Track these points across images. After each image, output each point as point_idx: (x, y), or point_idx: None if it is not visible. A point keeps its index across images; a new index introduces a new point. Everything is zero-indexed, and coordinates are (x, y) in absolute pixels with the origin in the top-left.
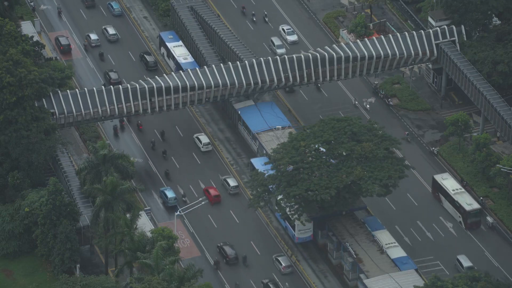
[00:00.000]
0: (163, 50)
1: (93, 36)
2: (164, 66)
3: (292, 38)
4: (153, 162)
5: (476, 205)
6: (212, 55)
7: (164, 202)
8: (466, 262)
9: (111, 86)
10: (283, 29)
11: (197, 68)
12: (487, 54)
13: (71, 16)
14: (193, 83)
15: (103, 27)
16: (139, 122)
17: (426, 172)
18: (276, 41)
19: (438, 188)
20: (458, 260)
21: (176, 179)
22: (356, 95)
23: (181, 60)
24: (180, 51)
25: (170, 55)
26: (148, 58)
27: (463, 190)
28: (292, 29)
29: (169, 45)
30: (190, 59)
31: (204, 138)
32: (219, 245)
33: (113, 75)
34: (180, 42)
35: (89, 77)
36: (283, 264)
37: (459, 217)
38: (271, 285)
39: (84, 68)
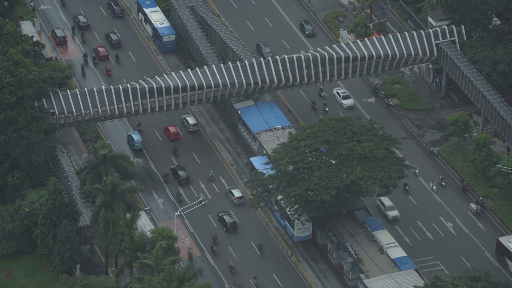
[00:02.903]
0: (141, 16)
1: None
2: (130, 15)
3: (348, 102)
4: (153, 162)
5: None
6: (212, 55)
7: (131, 145)
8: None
9: (111, 86)
10: (337, 93)
11: (197, 68)
12: (487, 54)
13: None
14: (193, 83)
15: None
16: (108, 67)
17: (427, 172)
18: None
19: (504, 252)
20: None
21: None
22: (357, 95)
23: (157, 25)
24: (157, 16)
25: (147, 20)
26: (114, 6)
27: None
28: (347, 93)
29: (146, 10)
30: (166, 23)
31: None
32: (172, 167)
33: (81, 19)
34: (157, 8)
35: (89, 77)
36: (235, 195)
37: None
38: (225, 217)
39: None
